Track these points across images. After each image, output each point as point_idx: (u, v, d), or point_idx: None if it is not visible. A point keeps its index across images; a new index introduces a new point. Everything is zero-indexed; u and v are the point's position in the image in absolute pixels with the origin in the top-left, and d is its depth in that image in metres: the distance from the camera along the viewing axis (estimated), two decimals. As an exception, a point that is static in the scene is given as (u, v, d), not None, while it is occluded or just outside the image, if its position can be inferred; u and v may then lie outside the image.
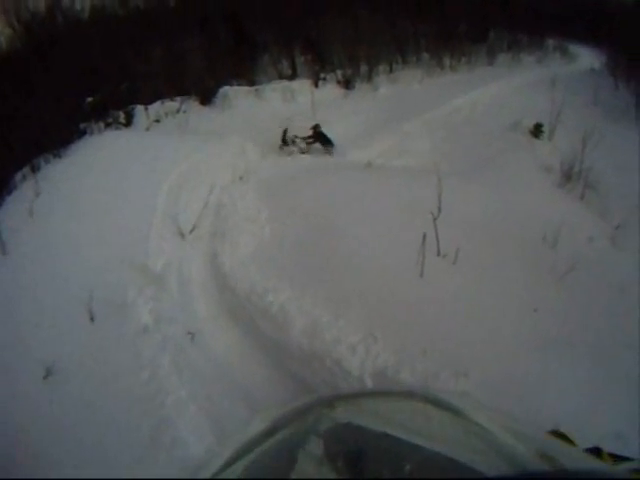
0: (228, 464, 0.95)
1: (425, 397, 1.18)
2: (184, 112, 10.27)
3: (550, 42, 17.50)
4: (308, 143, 8.14)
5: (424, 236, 3.88)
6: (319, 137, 8.32)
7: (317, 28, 14.06)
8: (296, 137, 8.26)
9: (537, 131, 8.25)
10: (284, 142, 8.26)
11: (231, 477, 0.92)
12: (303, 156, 7.66)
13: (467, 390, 2.77)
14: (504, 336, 3.34)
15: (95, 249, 5.02)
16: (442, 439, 0.99)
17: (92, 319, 4.27)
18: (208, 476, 0.93)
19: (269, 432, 1.06)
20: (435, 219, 4.01)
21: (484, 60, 15.32)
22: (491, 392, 2.76)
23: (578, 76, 12.19)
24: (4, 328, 4.49)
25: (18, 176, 7.27)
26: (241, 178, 6.18)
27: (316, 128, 8.39)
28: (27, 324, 4.47)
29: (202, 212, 5.43)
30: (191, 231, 5.16)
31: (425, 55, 15.27)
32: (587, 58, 16.11)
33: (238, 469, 0.93)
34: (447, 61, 14.99)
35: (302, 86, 12.07)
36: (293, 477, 0.92)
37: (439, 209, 4.04)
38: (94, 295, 4.33)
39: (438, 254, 4.08)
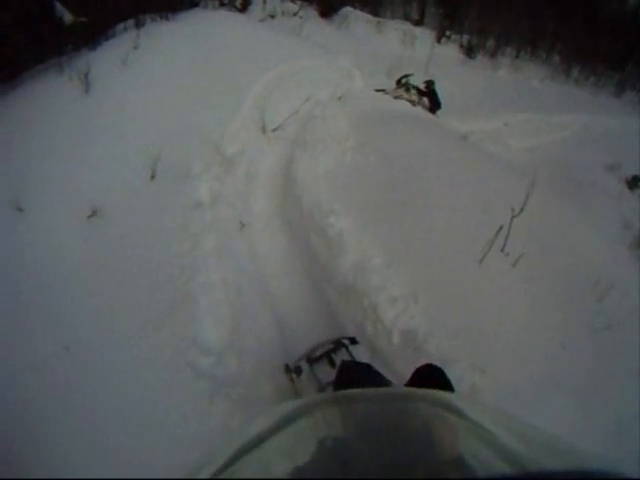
0: (228, 464, 0.92)
1: (426, 398, 1.20)
2: (301, 17, 10.07)
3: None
4: (418, 94, 7.77)
5: (500, 227, 3.67)
6: (430, 95, 7.96)
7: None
8: (414, 87, 7.91)
9: (633, 183, 7.74)
10: (398, 85, 7.93)
11: (231, 477, 0.89)
12: (407, 104, 7.28)
13: (478, 385, 2.79)
14: (528, 354, 3.24)
15: (176, 115, 4.95)
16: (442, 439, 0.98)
17: (152, 177, 4.22)
18: (208, 476, 0.89)
19: (270, 432, 1.03)
20: (514, 216, 3.74)
21: (611, 89, 14.40)
22: (501, 394, 2.77)
23: None
24: (65, 162, 4.48)
25: (120, 26, 7.19)
26: (339, 99, 5.93)
27: (429, 85, 8.03)
28: (88, 163, 4.47)
29: (291, 117, 5.25)
30: (274, 130, 4.99)
31: (556, 57, 14.48)
32: None
33: (238, 469, 0.91)
34: (575, 73, 14.18)
35: (424, 36, 11.69)
36: (292, 476, 0.93)
37: (522, 209, 3.78)
38: (161, 157, 4.26)
39: (502, 250, 3.84)
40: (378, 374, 2.09)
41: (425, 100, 7.98)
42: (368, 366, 2.23)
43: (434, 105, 7.96)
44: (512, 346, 3.20)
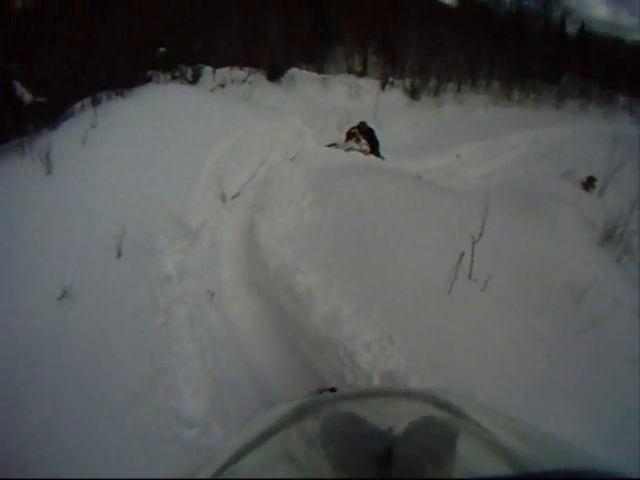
0: (228, 464, 0.95)
1: (425, 397, 1.20)
2: (250, 83, 10.39)
3: (621, 99, 17.19)
4: (365, 139, 8.01)
5: (462, 255, 3.83)
6: (367, 136, 8.19)
7: (396, 33, 14.06)
8: (361, 135, 8.18)
9: (589, 184, 8.12)
10: (348, 137, 8.20)
11: (231, 477, 0.92)
12: (358, 154, 7.56)
13: None
14: (514, 372, 3.29)
15: (137, 190, 5.06)
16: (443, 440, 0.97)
17: (119, 255, 4.30)
18: (208, 476, 0.93)
19: (270, 432, 1.06)
20: (474, 242, 3.93)
21: (552, 102, 15.27)
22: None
23: (642, 139, 11.83)
24: (31, 242, 4.54)
25: (78, 105, 7.37)
26: (293, 159, 6.16)
27: (361, 127, 8.28)
28: (53, 244, 4.51)
29: (248, 183, 5.42)
30: (233, 197, 5.15)
31: (496, 83, 15.25)
32: (657, 124, 15.67)
33: (238, 469, 0.93)
34: (516, 94, 14.96)
35: (369, 85, 12.17)
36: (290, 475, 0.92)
37: (481, 234, 3.96)
38: (126, 234, 4.36)
39: (469, 277, 4.01)
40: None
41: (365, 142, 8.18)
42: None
43: (374, 145, 8.16)
44: (496, 367, 3.25)
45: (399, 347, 3.23)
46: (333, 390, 3.03)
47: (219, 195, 5.13)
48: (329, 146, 7.66)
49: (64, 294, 3.99)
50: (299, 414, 1.15)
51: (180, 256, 4.29)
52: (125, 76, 8.06)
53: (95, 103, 7.24)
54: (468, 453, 0.89)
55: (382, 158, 8.09)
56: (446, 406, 1.10)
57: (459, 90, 14.52)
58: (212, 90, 9.61)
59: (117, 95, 7.55)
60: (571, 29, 22.47)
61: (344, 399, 1.30)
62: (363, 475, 0.84)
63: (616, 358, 3.75)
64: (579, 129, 12.19)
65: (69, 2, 9.48)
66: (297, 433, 1.06)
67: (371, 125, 8.45)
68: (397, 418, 1.06)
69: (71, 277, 4.09)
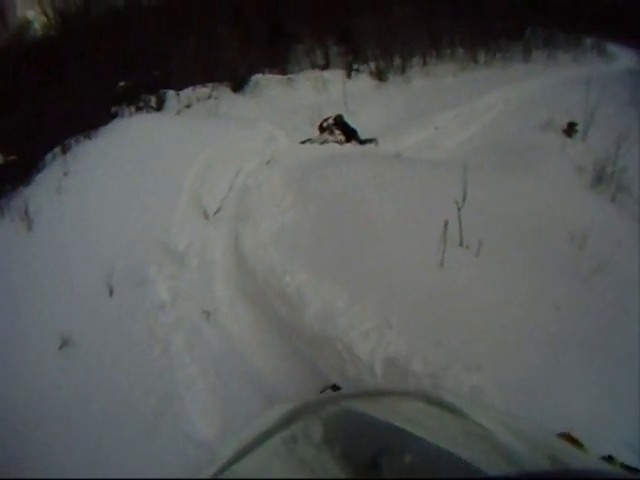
0: (228, 464, 0.95)
1: (426, 397, 1.19)
2: (215, 98, 10.32)
3: (587, 41, 17.03)
4: (340, 130, 7.98)
5: (446, 223, 3.72)
6: (342, 128, 8.16)
7: (352, 20, 13.98)
8: (334, 127, 8.14)
9: (571, 130, 7.98)
10: (321, 130, 8.16)
11: (231, 477, 0.92)
12: (334, 145, 7.52)
13: (478, 384, 2.69)
14: (524, 333, 3.20)
15: (119, 227, 5.09)
16: (442, 439, 0.98)
17: (111, 293, 4.32)
18: (208, 476, 0.93)
19: (270, 432, 1.05)
20: (459, 208, 3.85)
21: (519, 57, 15.03)
22: (503, 388, 2.67)
23: (615, 76, 11.67)
24: (25, 299, 4.60)
25: (49, 156, 7.41)
26: (268, 163, 6.13)
27: (337, 119, 8.24)
28: (47, 296, 4.57)
29: (227, 195, 5.40)
30: (215, 213, 5.13)
31: (460, 50, 15.06)
32: (625, 59, 15.55)
33: (238, 469, 0.93)
34: (482, 56, 14.74)
35: (335, 76, 12.04)
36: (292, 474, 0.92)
37: (464, 199, 3.88)
38: (115, 271, 4.39)
39: (461, 244, 3.93)
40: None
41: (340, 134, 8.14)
42: None
43: (351, 134, 8.10)
44: (504, 331, 3.17)
45: (397, 331, 3.16)
46: (334, 387, 3.03)
47: (201, 214, 5.10)
48: (303, 143, 7.61)
49: (64, 343, 4.03)
50: (298, 414, 1.14)
51: (171, 282, 4.29)
52: (90, 118, 8.10)
53: (65, 150, 7.28)
54: (464, 451, 0.89)
55: (372, 142, 8.06)
56: (441, 405, 1.10)
57: (425, 63, 14.31)
58: (178, 112, 9.61)
59: (85, 138, 7.59)
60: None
61: (342, 399, 1.29)
62: (366, 475, 0.85)
63: (628, 298, 3.67)
64: (551, 77, 12.05)
65: (21, 60, 9.59)
66: (298, 433, 1.04)
67: (344, 114, 8.41)
68: (393, 418, 1.07)
69: (69, 325, 4.13)
